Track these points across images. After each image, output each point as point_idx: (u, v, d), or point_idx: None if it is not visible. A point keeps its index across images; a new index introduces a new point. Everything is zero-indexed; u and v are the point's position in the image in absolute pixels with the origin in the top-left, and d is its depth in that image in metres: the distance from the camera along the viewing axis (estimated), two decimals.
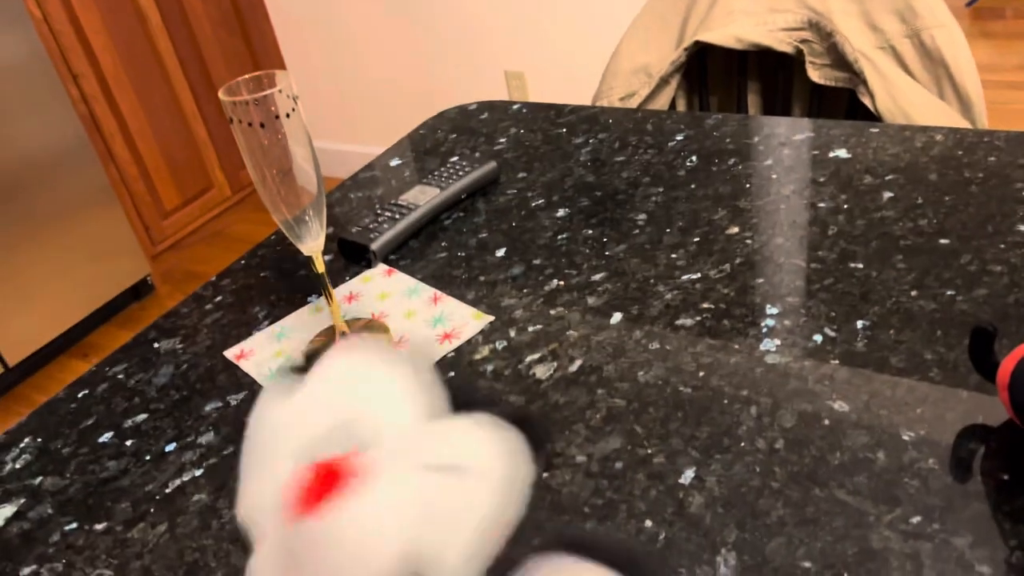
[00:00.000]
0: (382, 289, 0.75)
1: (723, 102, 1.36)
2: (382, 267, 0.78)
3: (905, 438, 0.51)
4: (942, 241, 0.68)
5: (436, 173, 0.88)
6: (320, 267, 0.65)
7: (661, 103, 1.32)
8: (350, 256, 0.80)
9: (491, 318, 0.69)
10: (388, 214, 0.81)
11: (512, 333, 0.67)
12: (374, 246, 0.78)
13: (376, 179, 0.97)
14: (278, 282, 0.80)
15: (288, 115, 0.58)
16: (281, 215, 0.62)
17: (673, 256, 0.73)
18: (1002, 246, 0.66)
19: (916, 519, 0.47)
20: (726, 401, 0.57)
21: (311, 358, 0.32)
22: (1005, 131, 0.82)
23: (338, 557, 0.24)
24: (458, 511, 0.27)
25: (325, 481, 0.25)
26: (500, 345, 0.66)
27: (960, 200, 0.73)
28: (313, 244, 0.64)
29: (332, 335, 0.69)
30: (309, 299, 0.76)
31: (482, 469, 0.28)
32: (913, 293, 0.63)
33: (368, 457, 0.26)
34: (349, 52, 2.72)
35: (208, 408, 0.65)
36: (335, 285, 0.77)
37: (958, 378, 0.55)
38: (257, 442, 0.31)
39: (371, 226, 0.80)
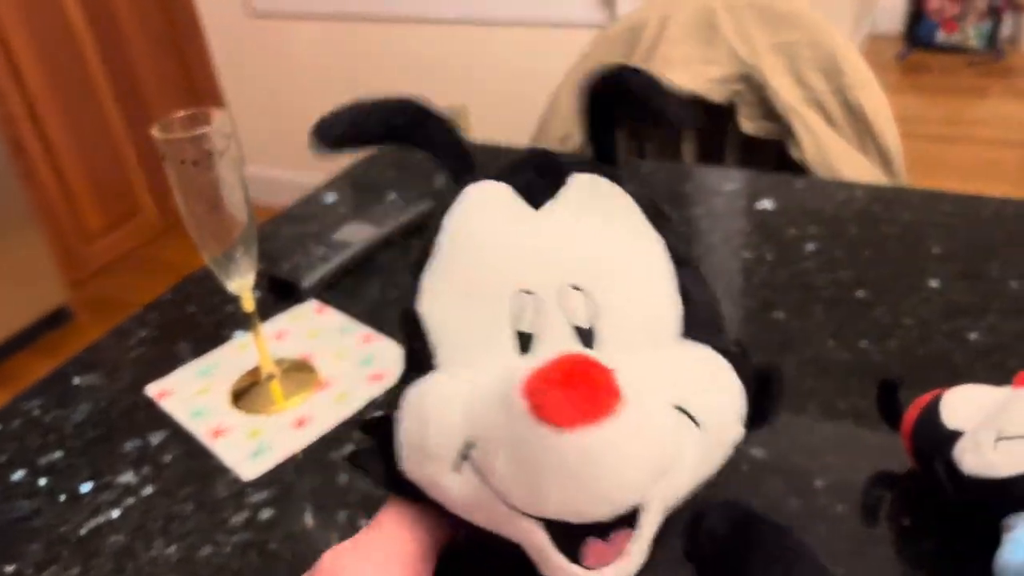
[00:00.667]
0: (312, 327, 0.75)
1: (660, 147, 1.40)
2: (313, 304, 0.78)
3: (817, 484, 0.53)
4: (859, 293, 0.71)
5: (372, 211, 0.88)
6: (249, 305, 0.65)
7: None
8: (280, 293, 0.80)
9: None
10: (321, 251, 0.81)
11: None
12: (305, 283, 0.78)
13: (310, 215, 0.97)
14: (206, 317, 0.79)
15: (223, 153, 0.58)
16: (210, 252, 0.62)
17: None
18: (914, 300, 0.69)
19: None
20: None
21: None
22: (920, 189, 0.86)
23: (583, 483, 0.23)
24: (691, 467, 0.27)
25: (579, 390, 0.23)
26: None
27: (877, 254, 0.76)
28: (242, 282, 0.63)
29: (258, 375, 0.68)
30: (235, 336, 0.75)
31: (720, 428, 0.27)
32: (830, 343, 0.66)
33: (618, 371, 0.24)
34: (289, 78, 2.71)
35: (128, 447, 0.64)
36: (263, 321, 0.76)
37: (869, 427, 0.57)
38: (461, 247, 0.29)
39: (303, 263, 0.80)
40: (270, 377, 0.68)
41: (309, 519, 0.56)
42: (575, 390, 0.23)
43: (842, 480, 0.53)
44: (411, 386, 0.28)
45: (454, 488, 0.26)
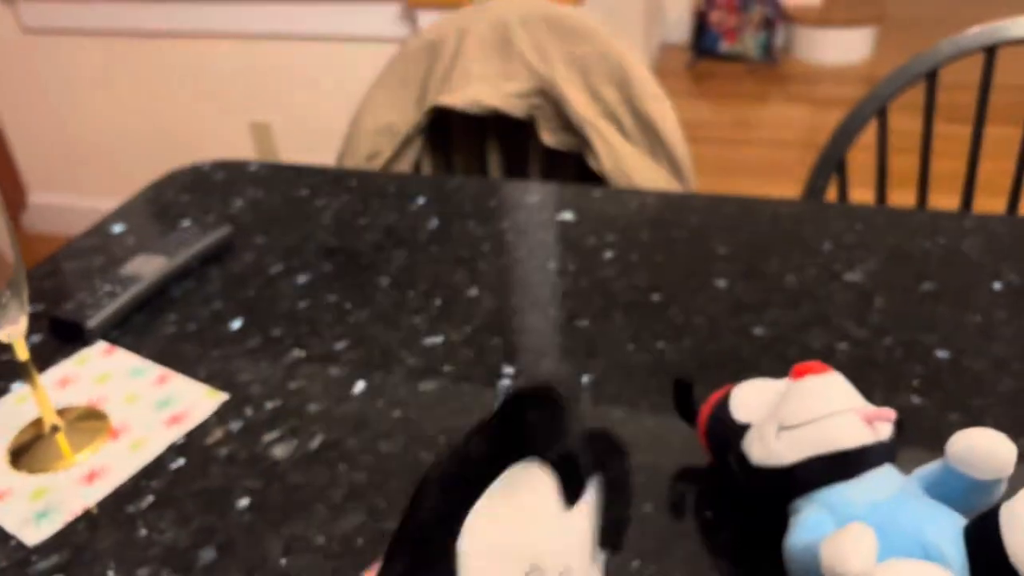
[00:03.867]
0: (101, 371, 0.69)
1: (467, 161, 1.41)
2: (101, 346, 0.72)
3: None
4: (654, 297, 0.75)
5: (163, 240, 0.83)
6: (23, 354, 0.59)
7: (407, 162, 1.34)
8: (64, 335, 0.73)
9: (225, 396, 0.66)
10: (108, 287, 0.75)
11: (249, 411, 0.65)
12: (91, 323, 0.72)
13: (95, 248, 0.90)
14: None
15: None
16: None
17: (416, 320, 0.74)
18: (703, 300, 0.74)
19: (636, 563, 0.50)
20: None
21: None
22: (705, 195, 0.92)
23: None
24: None
25: None
26: (236, 426, 0.63)
27: (668, 258, 0.80)
28: (12, 329, 0.57)
29: (40, 428, 0.62)
30: (13, 388, 0.68)
31: None
32: (630, 347, 0.68)
33: None
34: (72, 98, 2.51)
35: None
36: (46, 368, 0.70)
37: (669, 424, 0.60)
38: (508, 510, 0.33)
39: (88, 301, 0.74)
40: (54, 430, 0.62)
41: None
42: None
43: (648, 479, 0.56)
44: None
45: None
